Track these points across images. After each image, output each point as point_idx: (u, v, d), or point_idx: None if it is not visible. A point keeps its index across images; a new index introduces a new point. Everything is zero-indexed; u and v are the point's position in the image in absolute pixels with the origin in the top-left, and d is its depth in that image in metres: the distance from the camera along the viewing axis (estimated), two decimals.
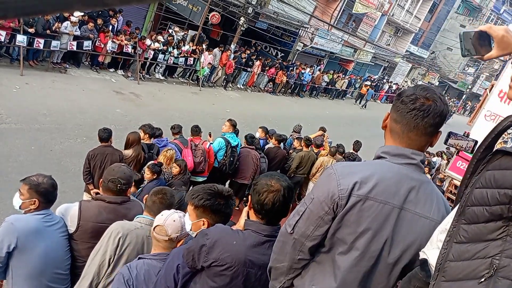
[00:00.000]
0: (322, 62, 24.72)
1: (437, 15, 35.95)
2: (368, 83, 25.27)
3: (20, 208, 2.61)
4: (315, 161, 7.84)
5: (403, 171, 1.49)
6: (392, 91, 29.40)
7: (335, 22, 23.22)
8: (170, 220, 2.29)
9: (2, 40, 9.99)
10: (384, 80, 30.92)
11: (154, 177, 5.00)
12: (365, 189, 1.44)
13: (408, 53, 33.32)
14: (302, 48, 21.65)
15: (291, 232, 1.54)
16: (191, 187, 5.74)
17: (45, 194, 2.60)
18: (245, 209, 2.02)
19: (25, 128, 7.85)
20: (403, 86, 32.14)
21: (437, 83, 37.34)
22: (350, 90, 25.26)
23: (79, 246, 2.84)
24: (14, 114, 8.12)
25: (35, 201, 2.57)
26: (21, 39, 10.14)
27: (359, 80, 25.18)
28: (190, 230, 2.20)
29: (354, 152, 8.87)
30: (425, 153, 1.61)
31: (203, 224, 2.14)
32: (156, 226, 2.32)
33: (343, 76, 24.66)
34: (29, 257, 2.48)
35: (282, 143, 7.82)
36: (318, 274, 1.55)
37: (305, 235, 1.51)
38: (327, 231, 1.50)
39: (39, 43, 10.57)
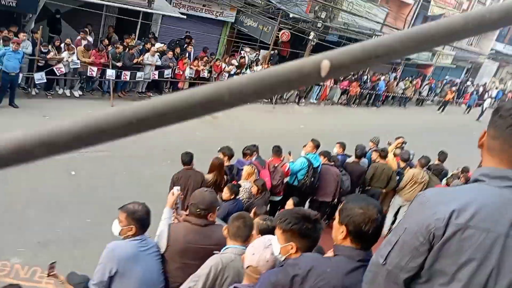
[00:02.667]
0: (397, 69, 23.79)
1: None
2: (454, 88, 23.67)
3: (119, 234, 2.84)
4: (390, 174, 7.46)
5: (506, 195, 1.38)
6: (478, 94, 27.29)
7: (409, 27, 22.26)
8: (263, 261, 2.28)
9: (94, 75, 11.04)
10: (468, 83, 28.82)
11: (232, 197, 5.15)
12: (464, 218, 1.35)
13: (494, 51, 30.82)
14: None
15: (384, 263, 1.50)
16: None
17: (140, 221, 2.81)
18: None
19: (117, 155, 8.53)
20: (490, 87, 29.71)
21: None
22: (431, 96, 23.86)
23: (169, 266, 3.03)
24: (106, 144, 8.87)
25: (132, 227, 2.78)
26: (110, 73, 11.14)
27: (439, 84, 23.70)
28: (279, 254, 2.22)
29: (440, 163, 8.36)
30: None
31: (291, 248, 2.16)
32: (248, 266, 2.33)
33: (422, 82, 23.41)
34: (128, 281, 2.69)
35: (362, 158, 7.61)
36: None
37: (399, 266, 1.46)
38: (424, 262, 1.43)
39: (126, 75, 11.51)
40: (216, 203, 3.26)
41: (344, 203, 1.94)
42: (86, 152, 8.34)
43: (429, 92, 23.28)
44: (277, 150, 6.71)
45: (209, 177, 5.68)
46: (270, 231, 3.50)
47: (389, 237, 1.53)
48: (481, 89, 28.12)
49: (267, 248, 2.32)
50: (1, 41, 9.17)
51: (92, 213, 6.43)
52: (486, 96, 26.46)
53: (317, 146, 6.90)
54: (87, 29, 11.51)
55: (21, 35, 9.57)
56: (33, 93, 10.41)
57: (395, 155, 8.27)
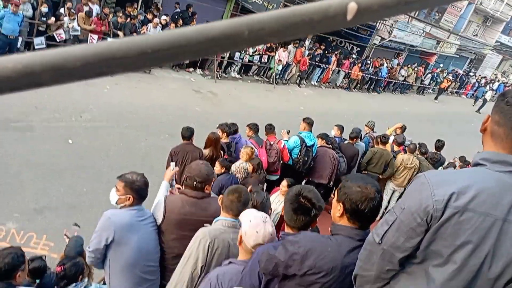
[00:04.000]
0: (401, 56, 23.57)
1: None
2: (450, 77, 23.58)
3: (116, 203, 2.84)
4: (388, 160, 7.46)
5: (506, 180, 1.38)
6: (480, 85, 27.17)
7: (416, 14, 21.98)
8: (268, 236, 2.28)
9: (95, 43, 10.85)
10: (471, 74, 28.66)
11: (223, 170, 5.16)
12: (463, 201, 1.35)
13: (499, 43, 30.57)
14: (380, 42, 20.80)
15: (380, 242, 1.50)
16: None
17: (138, 191, 2.80)
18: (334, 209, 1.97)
19: (115, 125, 8.49)
20: (492, 80, 29.56)
21: None
22: (432, 85, 23.74)
23: (165, 237, 3.04)
24: (105, 112, 8.83)
25: (129, 197, 2.78)
26: None
27: (441, 74, 23.56)
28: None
29: (437, 152, 8.38)
30: None
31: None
32: (255, 245, 2.29)
33: (424, 70, 23.24)
34: (125, 250, 2.70)
35: (358, 140, 7.62)
36: (409, 285, 1.50)
37: (394, 246, 1.47)
38: (420, 243, 1.44)
39: None
40: (212, 176, 3.25)
41: (343, 181, 1.93)
42: (83, 121, 8.30)
43: (431, 81, 23.15)
44: (269, 128, 6.69)
45: (205, 152, 5.68)
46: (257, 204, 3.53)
47: (386, 216, 1.53)
48: (483, 81, 28.00)
49: (266, 222, 2.32)
50: (1, 2, 8.98)
51: (88, 182, 6.44)
52: (487, 88, 26.37)
53: (309, 124, 6.88)
54: None
55: None
56: None
57: (385, 138, 8.27)
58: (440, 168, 8.09)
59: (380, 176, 7.62)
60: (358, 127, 7.82)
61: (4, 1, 8.90)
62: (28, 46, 10.08)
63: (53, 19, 9.90)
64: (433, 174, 1.47)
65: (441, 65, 24.85)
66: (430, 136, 10.32)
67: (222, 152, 5.89)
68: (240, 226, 2.42)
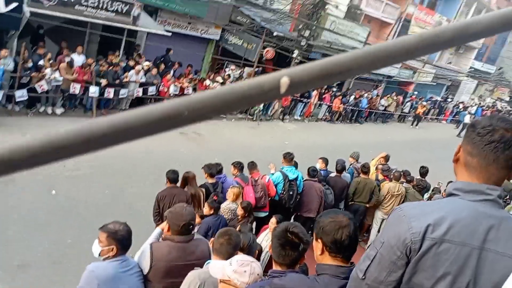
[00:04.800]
0: (379, 87, 24.23)
1: None
2: (424, 103, 24.21)
3: (99, 255, 2.78)
4: (373, 188, 7.60)
5: (479, 209, 1.41)
6: (460, 110, 27.95)
7: None
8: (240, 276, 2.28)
9: (77, 92, 10.94)
10: (449, 100, 29.53)
11: (212, 212, 5.13)
12: (439, 232, 1.37)
13: (473, 69, 31.72)
14: (358, 75, 21.40)
15: (363, 277, 1.51)
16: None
17: (122, 241, 2.75)
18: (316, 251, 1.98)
19: (99, 173, 8.41)
20: (470, 104, 30.44)
21: (507, 98, 34.99)
22: (412, 112, 24.32)
23: (153, 287, 2.97)
24: (88, 160, 8.76)
25: (113, 248, 2.73)
26: (93, 90, 11.05)
27: (419, 101, 24.23)
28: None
29: (422, 178, 8.49)
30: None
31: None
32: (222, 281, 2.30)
33: (403, 98, 23.88)
34: None
35: (344, 172, 7.75)
36: None
37: (378, 281, 1.47)
38: (402, 276, 1.45)
39: (109, 92, 11.43)
40: (194, 217, 3.26)
41: (317, 218, 1.98)
42: (67, 170, 8.21)
43: (411, 109, 23.75)
44: (252, 165, 6.78)
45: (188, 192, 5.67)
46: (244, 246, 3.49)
47: (367, 251, 1.54)
48: (461, 105, 28.83)
49: (253, 262, 2.31)
50: None
51: (73, 233, 6.29)
52: (467, 112, 27.14)
53: (290, 159, 7.00)
54: (80, 48, 11.45)
55: (3, 51, 9.46)
56: (15, 109, 10.26)
57: (376, 169, 8.44)
58: (426, 194, 8.19)
59: (367, 205, 7.71)
60: (342, 159, 7.97)
61: None
62: (10, 99, 10.09)
63: (38, 74, 9.99)
64: (410, 207, 1.50)
65: (416, 93, 25.58)
66: (414, 162, 10.46)
67: (204, 191, 5.88)
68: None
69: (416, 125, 23.19)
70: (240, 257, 2.36)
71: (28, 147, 0.30)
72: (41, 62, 10.32)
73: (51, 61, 10.48)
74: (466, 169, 1.49)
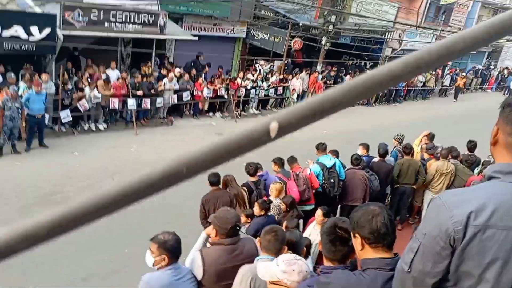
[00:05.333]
0: None
1: None
2: (464, 74, 23.03)
3: (153, 265, 2.90)
4: (418, 168, 7.38)
5: None
6: (504, 76, 26.47)
7: (423, 19, 21.97)
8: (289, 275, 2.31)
9: (116, 106, 11.37)
10: (491, 67, 28.02)
11: (262, 213, 5.17)
12: (482, 218, 1.34)
13: None
14: (392, 53, 20.78)
15: (409, 270, 1.49)
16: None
17: (172, 250, 2.86)
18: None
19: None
20: None
21: None
22: (453, 85, 23.30)
23: None
24: (135, 170, 9.08)
25: (164, 257, 2.84)
26: (131, 103, 11.44)
27: (461, 73, 23.13)
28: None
29: (471, 153, 8.15)
30: None
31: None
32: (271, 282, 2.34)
33: (442, 71, 22.91)
34: None
35: (387, 156, 7.61)
36: None
37: (424, 272, 1.45)
38: (449, 266, 1.42)
39: (146, 103, 11.80)
40: (239, 218, 3.37)
41: (350, 217, 1.98)
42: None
43: (451, 82, 22.75)
44: (291, 160, 6.81)
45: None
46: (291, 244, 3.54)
47: (410, 243, 1.52)
48: (505, 72, 27.29)
49: (299, 260, 2.34)
50: (25, 85, 9.59)
51: (129, 243, 6.57)
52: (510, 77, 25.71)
53: (323, 149, 7.05)
54: (113, 64, 11.91)
55: (44, 76, 9.98)
56: (62, 130, 10.81)
57: (421, 149, 8.20)
58: (477, 169, 7.86)
59: (414, 186, 7.53)
60: (384, 143, 7.80)
61: (28, 83, 9.49)
62: (55, 120, 10.64)
63: (78, 94, 10.49)
64: (449, 195, 1.47)
65: (449, 64, 24.45)
66: (460, 137, 10.05)
67: (245, 189, 5.95)
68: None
69: (456, 97, 22.17)
70: (285, 256, 2.39)
71: (45, 222, 0.34)
72: (83, 83, 10.82)
73: (88, 80, 10.94)
74: (508, 150, 1.43)
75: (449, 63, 24.67)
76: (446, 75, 22.77)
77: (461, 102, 22.06)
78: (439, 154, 7.83)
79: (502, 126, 1.44)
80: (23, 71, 10.34)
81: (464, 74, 22.95)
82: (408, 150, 7.52)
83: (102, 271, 5.94)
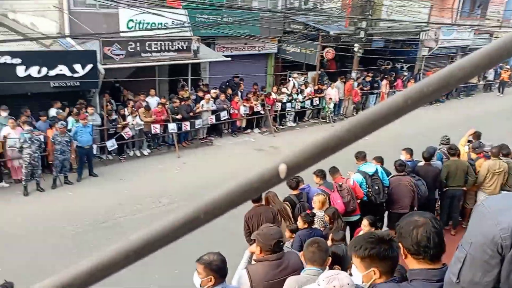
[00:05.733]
0: (455, 59, 22.58)
1: None
2: (508, 66, 21.81)
3: (200, 285, 2.96)
4: (466, 169, 7.07)
5: None
6: None
7: (458, 15, 21.26)
8: None
9: (158, 131, 11.77)
10: None
11: (306, 226, 5.13)
12: None
13: None
14: (429, 52, 20.20)
15: (457, 281, 1.45)
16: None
17: (218, 271, 2.91)
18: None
19: (191, 201, 8.89)
20: None
21: None
22: (497, 80, 22.21)
23: None
24: (181, 192, 9.32)
25: (211, 278, 2.89)
26: (172, 126, 11.80)
27: (504, 66, 22.01)
28: (362, 282, 2.19)
29: None
30: None
31: (374, 274, 2.11)
32: None
33: None
34: None
35: (433, 159, 7.36)
36: None
37: (473, 282, 1.40)
38: (499, 274, 1.36)
39: (186, 125, 12.13)
40: (282, 234, 3.41)
41: (397, 225, 1.93)
42: (163, 206, 8.80)
43: (495, 76, 21.74)
44: (333, 170, 6.69)
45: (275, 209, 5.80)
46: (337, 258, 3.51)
47: (456, 253, 1.48)
48: None
49: (338, 274, 2.32)
50: (73, 120, 10.16)
51: (179, 263, 6.69)
52: None
53: (362, 157, 6.96)
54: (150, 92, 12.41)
55: (89, 109, 10.54)
56: (109, 158, 11.29)
57: (468, 148, 7.89)
58: None
59: (464, 188, 7.22)
60: (431, 146, 7.61)
61: (75, 117, 10.05)
62: (103, 150, 11.14)
63: (121, 122, 10.99)
64: (493, 201, 1.43)
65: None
66: (509, 133, 9.57)
67: (288, 204, 5.94)
68: None
69: (502, 92, 21.05)
70: (325, 274, 2.39)
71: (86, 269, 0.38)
72: (125, 111, 11.30)
73: (133, 108, 11.43)
74: None
75: None
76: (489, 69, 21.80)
77: (508, 96, 20.98)
78: (489, 153, 7.49)
79: None
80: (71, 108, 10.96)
81: (508, 67, 21.81)
82: (453, 151, 7.26)
83: None
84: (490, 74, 21.46)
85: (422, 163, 7.39)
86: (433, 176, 7.16)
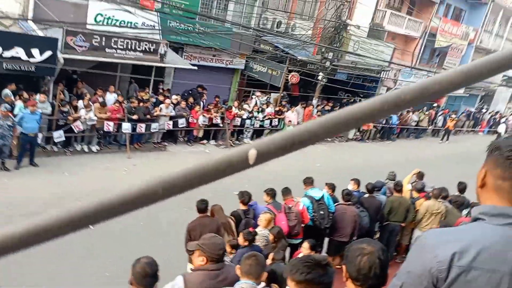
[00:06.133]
0: None
1: None
2: (454, 115, 23.29)
3: None
4: (408, 206, 7.40)
5: (508, 233, 1.36)
6: (496, 120, 26.96)
7: (418, 60, 22.55)
8: None
9: (111, 129, 11.38)
10: (483, 110, 28.59)
11: (246, 244, 5.10)
12: (466, 259, 1.33)
13: (506, 77, 30.68)
14: (387, 92, 21.18)
15: None
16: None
17: (140, 278, 2.80)
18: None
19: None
20: (505, 114, 29.38)
21: None
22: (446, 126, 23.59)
23: None
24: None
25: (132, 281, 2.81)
26: (126, 126, 11.46)
27: (451, 114, 23.49)
28: None
29: (460, 195, 8.19)
30: None
31: None
32: None
33: (436, 112, 23.27)
34: None
35: (376, 191, 7.64)
36: None
37: None
38: None
39: (141, 127, 11.83)
40: (225, 244, 3.39)
41: (347, 248, 1.96)
42: None
43: (444, 123, 23.12)
44: (285, 191, 6.75)
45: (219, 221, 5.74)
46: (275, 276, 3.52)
47: (393, 281, 1.51)
48: (497, 116, 27.83)
49: None
50: (22, 104, 9.62)
51: (111, 265, 6.42)
52: (502, 121, 26.14)
53: (310, 183, 7.06)
54: (109, 88, 12.00)
55: (41, 96, 10.04)
56: (54, 150, 10.74)
57: (399, 186, 8.24)
58: (465, 210, 7.87)
59: (402, 224, 7.52)
60: (379, 180, 7.93)
61: (25, 103, 9.54)
62: (48, 140, 10.60)
63: (73, 115, 10.52)
64: (434, 235, 1.47)
65: (442, 106, 24.81)
66: (451, 178, 10.12)
67: (233, 219, 5.91)
68: None
69: (447, 139, 22.24)
70: None
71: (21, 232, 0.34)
72: (79, 104, 10.84)
73: (89, 102, 11.01)
74: (497, 193, 1.43)
75: (443, 104, 25.17)
76: (439, 116, 23.14)
77: (453, 143, 22.31)
78: (430, 193, 7.86)
79: (491, 169, 1.44)
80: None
81: (454, 116, 23.26)
82: (399, 187, 7.58)
83: None
84: (440, 121, 22.76)
85: (367, 195, 7.64)
86: (376, 209, 7.41)
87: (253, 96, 16.45)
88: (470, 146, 21.87)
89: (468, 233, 1.42)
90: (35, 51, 9.92)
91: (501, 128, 23.87)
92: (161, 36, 13.13)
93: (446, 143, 21.90)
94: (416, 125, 21.24)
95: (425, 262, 1.39)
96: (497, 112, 28.80)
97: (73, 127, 10.58)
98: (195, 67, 14.02)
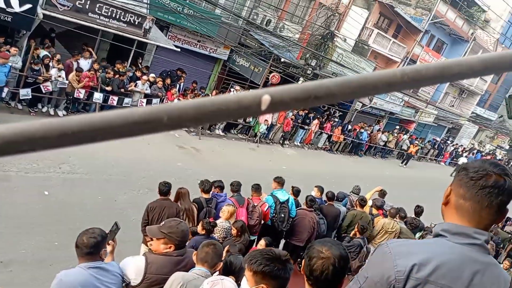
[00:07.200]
0: (381, 122, 24.40)
1: (504, 77, 34.57)
2: (417, 142, 24.00)
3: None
4: (368, 221, 7.56)
5: (466, 253, 1.40)
6: (458, 153, 28.05)
7: None
8: None
9: (81, 97, 11.01)
10: (448, 142, 29.69)
11: (204, 232, 5.06)
12: (424, 272, 1.36)
13: (474, 114, 31.99)
14: (361, 108, 21.62)
15: None
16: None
17: (86, 250, 2.70)
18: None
19: (94, 178, 8.38)
20: (469, 148, 30.61)
21: (507, 147, 35.15)
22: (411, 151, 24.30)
23: None
24: (85, 164, 8.75)
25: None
26: (98, 96, 11.13)
27: (415, 140, 24.22)
28: None
29: (416, 218, 8.44)
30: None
31: None
32: None
33: (404, 136, 23.95)
34: None
35: (335, 200, 7.76)
36: None
37: None
38: None
39: (113, 100, 11.51)
40: (188, 232, 3.34)
41: (312, 242, 1.96)
42: (62, 173, 8.18)
43: (408, 147, 23.79)
44: (256, 188, 6.72)
45: (181, 207, 5.65)
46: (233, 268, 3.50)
47: (350, 284, 1.52)
48: (460, 149, 28.95)
49: (223, 280, 2.33)
50: None
51: (61, 236, 6.22)
52: (464, 155, 27.22)
53: (281, 183, 7.00)
54: (88, 50, 11.59)
55: (12, 49, 9.58)
56: (18, 107, 10.29)
57: (363, 202, 8.43)
58: (418, 234, 8.13)
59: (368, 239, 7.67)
60: (342, 192, 8.02)
61: None
62: (14, 96, 10.15)
63: (43, 74, 10.09)
64: (396, 245, 1.49)
65: (410, 132, 25.59)
66: (409, 201, 10.43)
67: (196, 206, 5.84)
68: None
69: (406, 164, 22.84)
70: (209, 278, 2.39)
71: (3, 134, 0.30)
72: (51, 63, 10.41)
73: (60, 63, 10.59)
74: (457, 212, 1.47)
75: (411, 129, 25.91)
76: (405, 140, 23.81)
77: (416, 169, 23.01)
78: (388, 212, 8.06)
79: (455, 188, 1.48)
80: None
81: (417, 142, 23.96)
82: (364, 202, 7.70)
83: (25, 258, 5.57)
84: (405, 144, 23.41)
85: (327, 203, 7.75)
86: (334, 217, 7.51)
87: (232, 89, 16.36)
88: (431, 173, 22.69)
89: (429, 247, 1.45)
90: (14, 1, 9.47)
91: (462, 161, 24.83)
92: (148, 10, 12.82)
93: (404, 167, 22.46)
94: (384, 145, 21.77)
95: (384, 270, 1.40)
96: (460, 146, 29.98)
97: (41, 87, 10.17)
98: (178, 49, 13.79)
